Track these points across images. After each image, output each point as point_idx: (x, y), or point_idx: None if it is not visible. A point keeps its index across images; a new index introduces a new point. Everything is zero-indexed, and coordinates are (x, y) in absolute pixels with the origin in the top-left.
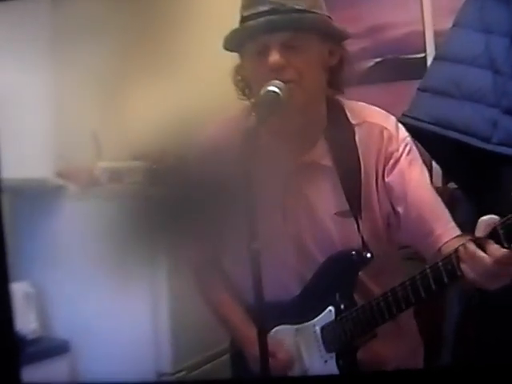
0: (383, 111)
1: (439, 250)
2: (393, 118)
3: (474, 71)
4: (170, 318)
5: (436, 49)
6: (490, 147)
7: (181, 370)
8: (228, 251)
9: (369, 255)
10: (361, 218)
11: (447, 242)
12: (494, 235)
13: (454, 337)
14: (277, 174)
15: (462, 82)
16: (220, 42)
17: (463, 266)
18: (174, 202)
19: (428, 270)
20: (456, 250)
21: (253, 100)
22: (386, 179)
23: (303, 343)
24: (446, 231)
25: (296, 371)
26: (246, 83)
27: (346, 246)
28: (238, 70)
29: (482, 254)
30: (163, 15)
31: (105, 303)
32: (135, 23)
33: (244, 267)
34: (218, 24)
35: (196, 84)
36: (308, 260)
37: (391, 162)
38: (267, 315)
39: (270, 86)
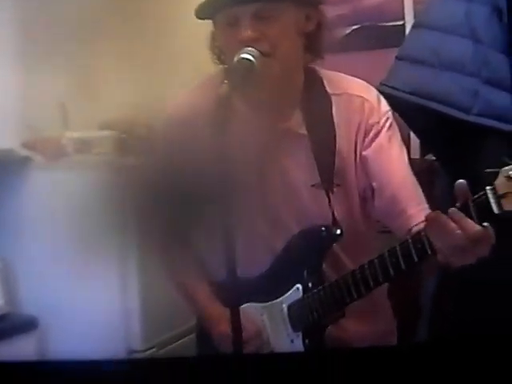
0: (364, 82)
1: (409, 230)
2: (374, 90)
3: (453, 40)
4: (140, 294)
5: (415, 16)
6: (470, 118)
7: (151, 347)
8: (200, 225)
9: (338, 231)
10: (332, 191)
11: (418, 224)
12: (465, 209)
13: (430, 310)
14: (253, 142)
15: (441, 50)
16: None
17: (431, 235)
18: (145, 173)
19: (397, 248)
20: (426, 226)
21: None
22: (364, 152)
23: (269, 322)
24: (418, 212)
25: (261, 350)
26: (221, 49)
27: (320, 218)
28: (214, 36)
29: (453, 225)
30: None
31: (74, 279)
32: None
33: (217, 242)
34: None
35: (168, 54)
36: (282, 230)
37: (371, 134)
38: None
39: (243, 53)
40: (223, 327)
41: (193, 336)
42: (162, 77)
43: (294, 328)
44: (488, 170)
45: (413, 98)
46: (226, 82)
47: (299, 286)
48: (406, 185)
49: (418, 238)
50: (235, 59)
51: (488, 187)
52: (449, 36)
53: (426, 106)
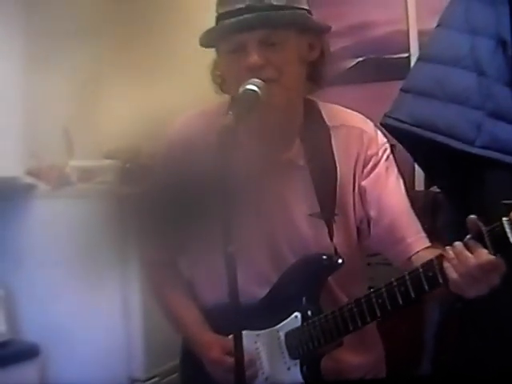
0: (360, 115)
1: (409, 258)
2: (370, 122)
3: (458, 72)
4: (143, 322)
5: (420, 49)
6: (473, 150)
7: (154, 376)
8: (191, 252)
9: (340, 261)
10: (334, 221)
11: (418, 251)
12: (480, 239)
13: (433, 345)
14: (254, 172)
15: (446, 83)
16: (196, 41)
17: (446, 266)
18: (146, 201)
19: (407, 277)
20: (438, 256)
21: (228, 95)
22: (363, 182)
23: (264, 349)
24: (417, 240)
25: (255, 378)
26: (223, 78)
27: (318, 249)
28: (216, 65)
29: (468, 253)
30: (139, 15)
31: (76, 306)
32: (110, 23)
33: (206, 270)
34: (196, 23)
35: (171, 83)
36: (279, 259)
37: (370, 164)
38: (225, 320)
39: (248, 84)
40: (216, 353)
41: None
42: (167, 103)
43: (292, 356)
44: (505, 202)
45: (417, 130)
46: (230, 112)
47: (298, 314)
48: (404, 213)
49: (429, 266)
50: (240, 90)
51: (504, 218)
52: (453, 69)
53: (431, 137)
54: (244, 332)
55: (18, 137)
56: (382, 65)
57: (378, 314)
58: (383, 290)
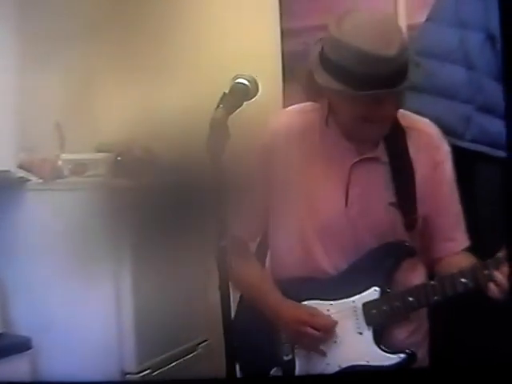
0: (427, 120)
1: (457, 253)
2: (437, 128)
3: (447, 66)
4: (135, 316)
5: (409, 43)
6: (463, 144)
7: (145, 369)
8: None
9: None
10: (412, 214)
11: (465, 248)
12: None
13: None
14: (343, 166)
15: (435, 77)
16: (191, 39)
17: (491, 286)
18: (147, 194)
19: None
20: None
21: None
22: (430, 184)
23: (337, 316)
24: (466, 240)
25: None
26: (317, 89)
27: (394, 236)
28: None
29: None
30: (134, 12)
31: (68, 299)
32: (104, 20)
33: (286, 242)
34: (194, 18)
35: (164, 79)
36: (358, 243)
37: (437, 170)
38: (298, 289)
39: (238, 78)
40: (322, 320)
41: (187, 358)
42: (160, 96)
43: (367, 322)
44: None
45: None
46: (221, 106)
47: (377, 288)
48: (458, 214)
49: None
50: (232, 83)
51: None
52: (443, 63)
53: None
54: (315, 301)
55: (11, 130)
56: None
57: (460, 290)
58: (469, 270)
